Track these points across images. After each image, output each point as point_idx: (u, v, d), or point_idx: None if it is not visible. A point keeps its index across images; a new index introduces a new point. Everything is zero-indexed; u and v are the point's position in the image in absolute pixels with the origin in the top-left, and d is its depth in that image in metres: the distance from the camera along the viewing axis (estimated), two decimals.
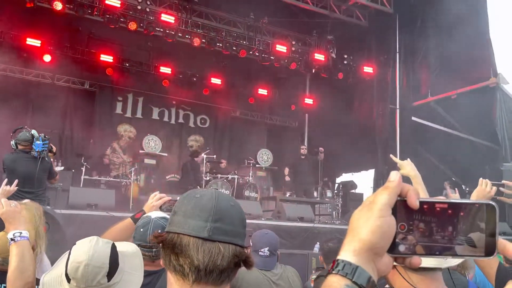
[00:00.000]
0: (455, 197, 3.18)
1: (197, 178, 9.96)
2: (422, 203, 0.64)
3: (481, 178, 2.41)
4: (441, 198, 0.66)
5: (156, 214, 2.15)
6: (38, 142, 5.07)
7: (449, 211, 0.63)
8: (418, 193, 0.64)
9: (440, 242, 0.62)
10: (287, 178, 10.75)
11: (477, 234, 0.61)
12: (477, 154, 10.98)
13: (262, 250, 2.59)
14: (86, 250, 1.55)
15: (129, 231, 2.18)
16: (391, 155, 2.95)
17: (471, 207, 0.62)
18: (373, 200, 0.64)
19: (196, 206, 1.05)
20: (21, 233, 1.81)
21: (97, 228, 6.23)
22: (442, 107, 11.33)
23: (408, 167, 2.41)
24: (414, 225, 0.63)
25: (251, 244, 2.69)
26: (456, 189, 10.17)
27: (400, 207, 0.64)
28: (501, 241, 0.62)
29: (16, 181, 3.74)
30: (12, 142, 5.11)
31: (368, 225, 0.62)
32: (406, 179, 2.45)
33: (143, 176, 10.49)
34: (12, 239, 1.79)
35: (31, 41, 10.60)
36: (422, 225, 0.63)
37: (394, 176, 0.66)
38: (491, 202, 0.62)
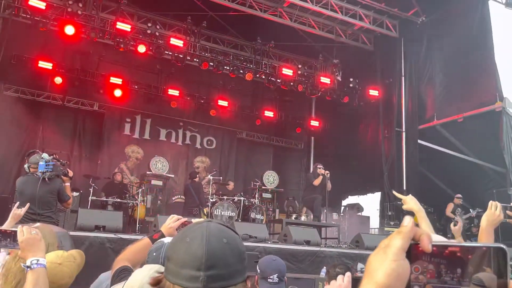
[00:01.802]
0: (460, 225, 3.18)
1: (201, 200, 9.96)
2: (434, 246, 0.68)
3: (491, 201, 2.39)
4: (452, 242, 0.70)
5: (169, 239, 2.20)
6: (41, 163, 5.14)
7: (460, 254, 0.66)
8: (431, 237, 0.68)
9: (449, 283, 0.66)
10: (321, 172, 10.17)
11: (489, 276, 0.64)
12: (484, 178, 10.94)
13: (271, 277, 2.61)
14: (141, 278, 1.57)
15: (147, 251, 2.21)
16: (393, 192, 3.00)
17: (480, 250, 0.65)
18: (388, 244, 0.68)
19: (186, 253, 1.00)
20: (38, 260, 1.84)
21: (104, 250, 6.25)
22: (448, 130, 11.35)
23: (411, 202, 2.45)
24: (427, 267, 0.68)
25: (258, 270, 2.72)
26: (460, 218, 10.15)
27: (414, 250, 0.68)
28: None
29: (27, 205, 3.79)
30: (25, 166, 5.23)
31: (383, 268, 0.66)
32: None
33: (150, 198, 10.52)
34: (28, 267, 1.83)
35: (43, 64, 10.82)
36: (435, 267, 0.67)
37: (407, 221, 0.70)
38: (501, 246, 0.65)
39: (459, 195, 10.49)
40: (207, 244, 0.99)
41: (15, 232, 1.88)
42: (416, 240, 0.68)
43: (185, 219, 2.36)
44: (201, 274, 0.97)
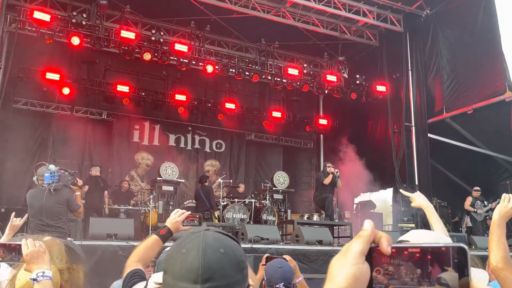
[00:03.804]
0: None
1: (212, 203, 9.97)
2: (393, 248, 0.67)
3: (504, 194, 2.35)
4: (412, 243, 0.68)
5: None
6: (46, 175, 5.21)
7: (420, 255, 0.66)
8: (390, 239, 0.68)
9: (410, 284, 0.65)
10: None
11: (451, 275, 0.63)
12: (497, 169, 10.81)
13: (277, 285, 2.61)
14: None
15: (156, 249, 2.17)
16: (401, 190, 2.97)
17: (440, 250, 0.65)
18: (347, 248, 0.69)
19: (182, 266, 0.98)
20: (43, 272, 1.85)
21: (117, 258, 6.28)
22: (458, 122, 11.23)
23: (419, 198, 2.41)
24: (388, 269, 0.67)
25: (265, 277, 2.71)
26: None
27: (375, 253, 0.68)
28: (474, 282, 0.65)
29: (26, 216, 3.85)
30: (34, 178, 5.30)
31: (342, 272, 0.66)
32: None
33: (162, 203, 10.55)
34: (34, 279, 1.83)
35: (50, 75, 10.91)
36: (395, 269, 0.67)
37: (367, 225, 0.69)
38: (461, 245, 0.64)
39: (477, 188, 10.32)
40: (203, 255, 0.97)
41: (20, 245, 1.89)
42: (377, 243, 0.69)
43: (189, 212, 2.33)
44: (198, 287, 0.95)
